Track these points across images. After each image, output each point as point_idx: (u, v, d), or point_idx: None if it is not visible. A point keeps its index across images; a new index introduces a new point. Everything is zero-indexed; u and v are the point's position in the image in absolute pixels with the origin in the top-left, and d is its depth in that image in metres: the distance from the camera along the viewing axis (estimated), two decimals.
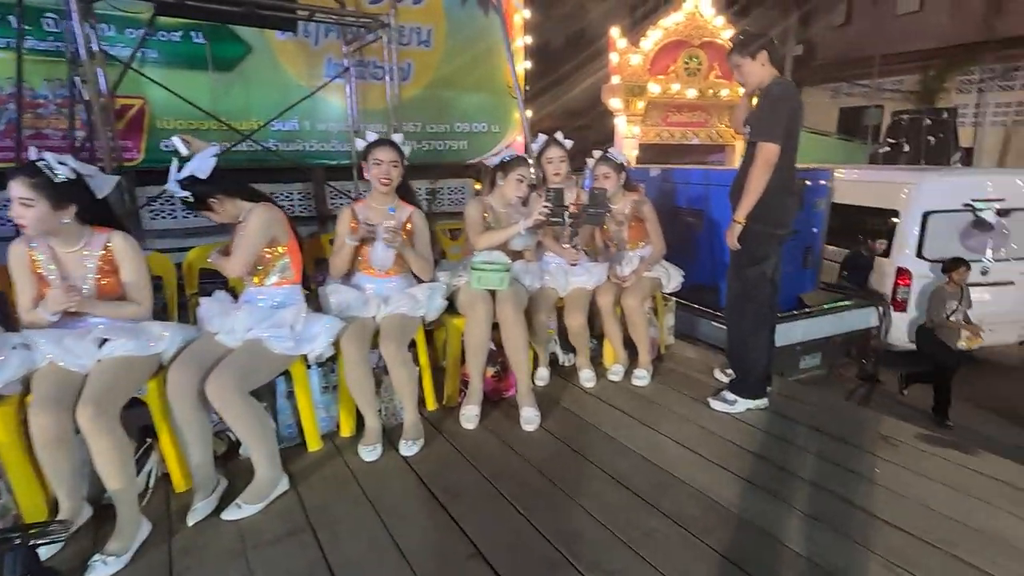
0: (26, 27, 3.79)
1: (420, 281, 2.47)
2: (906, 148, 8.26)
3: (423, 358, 2.46)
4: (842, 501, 1.90)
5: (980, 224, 4.70)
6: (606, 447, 2.23)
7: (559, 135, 2.79)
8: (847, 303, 4.31)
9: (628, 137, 8.41)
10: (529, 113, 7.55)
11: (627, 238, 2.98)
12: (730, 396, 2.52)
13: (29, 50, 3.85)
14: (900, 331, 4.67)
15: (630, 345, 2.89)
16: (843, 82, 12.71)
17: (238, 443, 2.10)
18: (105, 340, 1.74)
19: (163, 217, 4.83)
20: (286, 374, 2.12)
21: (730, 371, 2.68)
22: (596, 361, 3.01)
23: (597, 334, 3.01)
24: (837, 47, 12.86)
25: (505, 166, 2.64)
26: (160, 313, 2.14)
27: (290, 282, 2.12)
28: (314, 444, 2.20)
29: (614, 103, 8.39)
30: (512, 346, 2.41)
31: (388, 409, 2.37)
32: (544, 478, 2.01)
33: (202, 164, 1.97)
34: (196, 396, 1.78)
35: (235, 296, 2.16)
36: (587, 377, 2.80)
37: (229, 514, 1.78)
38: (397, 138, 2.39)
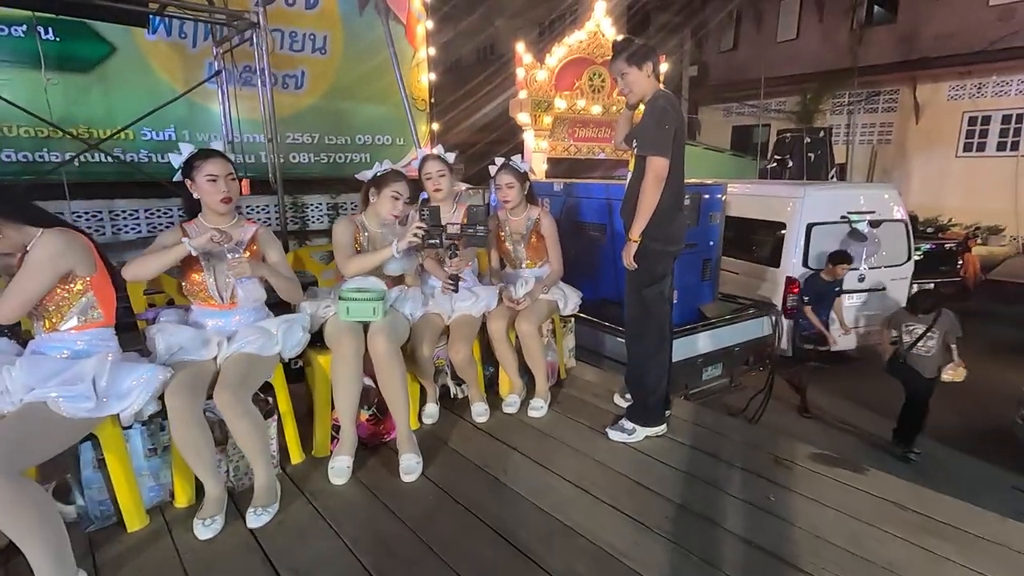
0: None
1: (283, 309, 2.13)
2: (790, 164, 8.85)
3: (283, 403, 2.12)
4: (738, 539, 1.77)
5: (855, 235, 4.99)
6: (492, 495, 1.99)
7: (439, 148, 2.56)
8: (745, 313, 4.39)
9: (537, 151, 8.41)
10: (436, 127, 7.34)
11: (525, 256, 2.79)
12: (628, 425, 2.37)
13: None
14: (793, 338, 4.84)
15: (529, 371, 2.69)
16: (734, 102, 13.58)
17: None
18: None
19: None
20: (93, 438, 1.71)
21: (629, 396, 2.55)
22: (494, 390, 2.79)
23: (495, 361, 2.78)
24: (727, 70, 13.74)
25: (378, 181, 2.36)
26: None
27: (97, 325, 1.72)
28: (135, 522, 1.79)
29: (522, 118, 8.37)
30: (388, 385, 2.12)
31: (239, 469, 2.00)
32: (418, 540, 1.74)
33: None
34: None
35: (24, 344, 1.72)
36: (479, 412, 2.56)
37: None
38: (217, 145, 2.03)
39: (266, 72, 3.81)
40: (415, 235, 2.13)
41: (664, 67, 7.92)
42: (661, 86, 2.29)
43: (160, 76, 5.24)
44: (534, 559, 1.66)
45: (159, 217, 5.04)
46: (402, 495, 1.98)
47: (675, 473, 2.14)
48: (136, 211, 4.86)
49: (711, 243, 4.18)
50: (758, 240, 5.41)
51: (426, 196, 2.65)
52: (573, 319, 3.11)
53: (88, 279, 1.69)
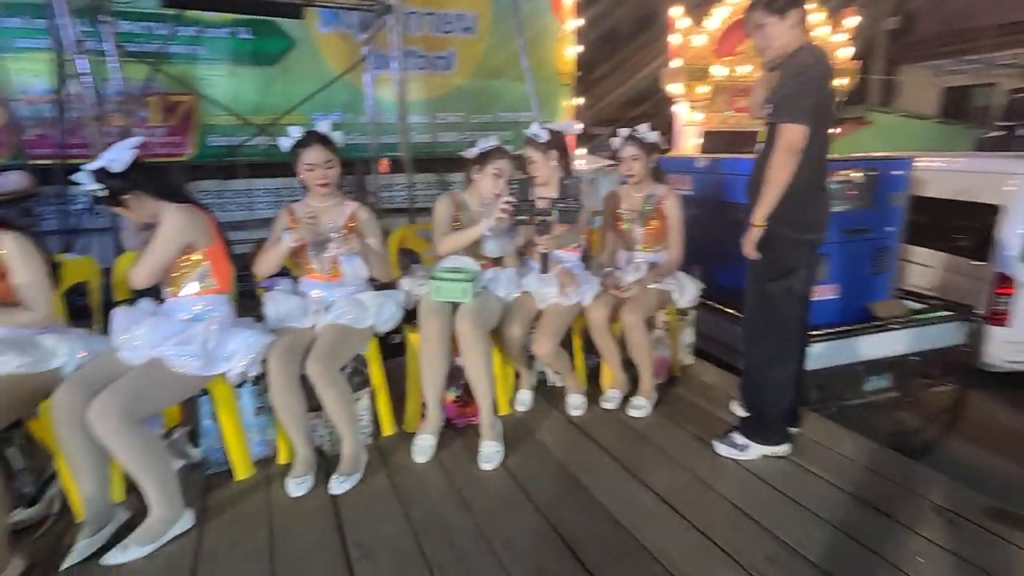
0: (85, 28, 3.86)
1: (379, 286, 2.19)
2: (1021, 132, 7.03)
3: (376, 376, 2.18)
4: None
5: None
6: (570, 498, 1.84)
7: (535, 127, 2.39)
8: (929, 316, 3.59)
9: (689, 125, 7.77)
10: (578, 102, 7.11)
11: (641, 238, 2.53)
12: (740, 440, 2.05)
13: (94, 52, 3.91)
14: (999, 350, 3.86)
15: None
16: (947, 58, 11.11)
17: None
18: None
19: (216, 211, 4.97)
20: (210, 393, 1.91)
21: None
22: (596, 382, 2.61)
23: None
24: (940, 18, 11.25)
25: (482, 158, 2.29)
26: (83, 321, 2.00)
27: (213, 291, 1.90)
28: (242, 472, 1.97)
29: (674, 88, 7.76)
30: (471, 368, 2.07)
31: (333, 435, 2.10)
32: (480, 536, 1.67)
33: (118, 155, 1.76)
34: (83, 422, 1.59)
35: None
36: (574, 404, 2.40)
37: (112, 557, 1.57)
38: (324, 126, 2.09)
39: (399, 54, 3.94)
40: (503, 210, 2.02)
41: (854, 20, 6.73)
42: (809, 39, 1.87)
43: (329, 65, 5.74)
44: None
45: None
46: (477, 483, 1.93)
47: (790, 505, 1.79)
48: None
49: (889, 228, 3.46)
50: (959, 227, 4.37)
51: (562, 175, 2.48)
52: (693, 312, 2.78)
53: (205, 250, 1.87)
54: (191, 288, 1.87)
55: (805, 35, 1.85)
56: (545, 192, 2.29)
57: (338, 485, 1.89)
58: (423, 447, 2.08)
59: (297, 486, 1.88)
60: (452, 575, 1.52)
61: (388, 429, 2.24)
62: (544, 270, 2.17)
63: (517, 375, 2.51)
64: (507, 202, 2.01)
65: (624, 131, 2.47)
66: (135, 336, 1.73)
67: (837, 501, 1.81)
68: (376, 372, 2.18)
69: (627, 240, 2.56)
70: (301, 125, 2.15)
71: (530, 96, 4.48)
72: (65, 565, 1.55)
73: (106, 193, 1.77)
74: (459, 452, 2.12)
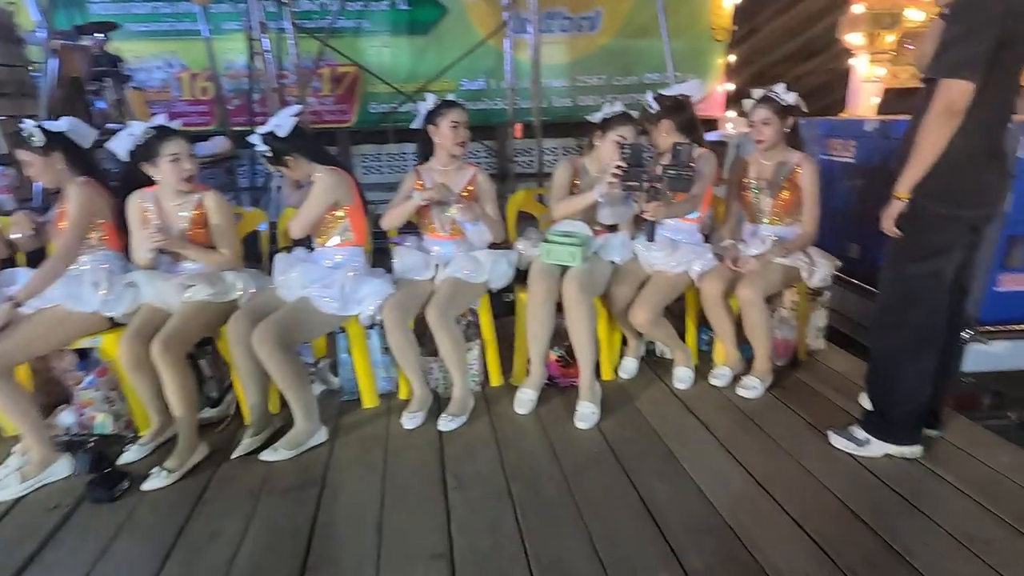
0: (270, 10, 4.49)
1: (493, 245, 2.33)
2: None
3: (486, 330, 2.34)
4: None
5: None
6: (659, 466, 1.86)
7: (649, 96, 2.29)
8: None
9: (868, 81, 6.76)
10: (732, 58, 6.57)
11: (769, 210, 2.36)
12: (860, 434, 1.87)
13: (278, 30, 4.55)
14: None
15: None
16: None
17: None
18: (189, 286, 2.00)
19: (373, 172, 5.59)
20: (347, 331, 2.21)
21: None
22: (708, 359, 2.52)
23: None
24: None
25: (605, 124, 2.28)
26: (255, 263, 2.41)
27: (351, 244, 2.18)
28: (368, 402, 2.28)
29: (853, 39, 6.78)
30: (574, 331, 2.13)
31: (447, 379, 2.32)
32: (565, 487, 1.76)
33: (283, 122, 2.08)
34: (249, 344, 1.95)
35: None
36: (680, 377, 2.36)
37: (266, 455, 1.95)
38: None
39: (535, 17, 3.97)
40: (613, 175, 2.01)
41: None
42: None
43: (478, 31, 5.95)
44: (673, 548, 1.51)
45: (468, 158, 5.86)
46: (569, 440, 2.02)
47: (909, 511, 1.62)
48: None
49: None
50: None
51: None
52: (827, 293, 2.53)
53: (347, 208, 2.14)
54: (334, 240, 2.17)
55: None
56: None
57: (446, 423, 2.10)
58: (524, 400, 2.21)
59: (410, 419, 2.13)
60: (533, 515, 1.64)
61: (496, 380, 2.41)
62: (650, 238, 2.13)
63: (625, 342, 2.53)
64: (617, 167, 2.00)
65: (758, 92, 2.28)
66: (290, 278, 2.06)
67: (970, 515, 1.59)
68: (486, 326, 2.34)
69: (753, 212, 2.39)
70: (449, 91, 2.31)
71: (665, 56, 4.24)
72: (234, 456, 1.96)
73: (271, 154, 2.09)
74: (558, 409, 2.22)
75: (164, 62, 6.03)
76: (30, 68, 3.73)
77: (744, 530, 1.56)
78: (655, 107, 2.26)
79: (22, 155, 1.97)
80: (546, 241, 2.21)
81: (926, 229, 1.64)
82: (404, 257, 2.27)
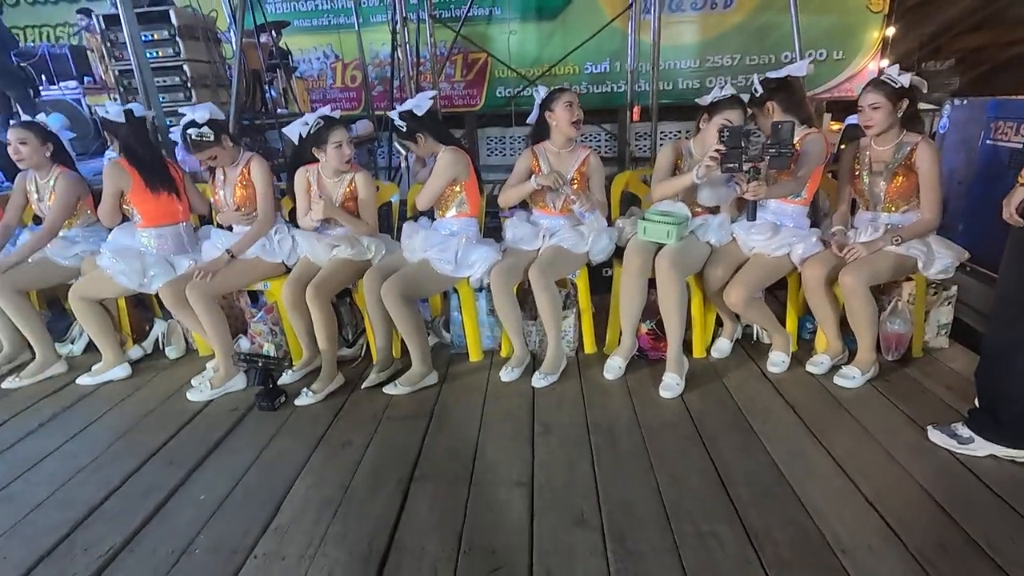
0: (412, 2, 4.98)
1: None
2: None
3: (583, 300, 2.53)
4: None
5: None
6: (736, 437, 1.93)
7: (755, 79, 2.29)
8: None
9: None
10: (891, 32, 6.01)
11: (884, 195, 2.27)
12: (964, 431, 1.79)
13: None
14: None
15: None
16: None
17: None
18: (335, 246, 2.42)
19: (496, 154, 6.00)
20: (458, 293, 2.52)
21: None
22: (809, 347, 2.49)
23: None
24: None
25: (713, 107, 2.33)
26: (388, 230, 2.80)
27: (465, 215, 2.47)
28: (474, 355, 2.58)
29: None
30: (665, 306, 2.24)
31: (544, 341, 2.54)
32: (641, 445, 1.91)
33: (420, 103, 2.40)
34: (379, 296, 2.33)
35: None
36: (775, 361, 2.37)
37: (389, 388, 2.32)
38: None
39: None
40: (711, 158, 2.07)
41: None
42: None
43: (605, 14, 6.01)
44: (736, 506, 1.61)
45: (590, 141, 5.95)
46: (652, 406, 2.15)
47: (1003, 510, 1.55)
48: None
49: None
50: None
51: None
52: (954, 287, 2.36)
53: (464, 183, 2.42)
54: (451, 212, 2.47)
55: None
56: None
57: (539, 380, 2.33)
58: (613, 366, 2.37)
59: (507, 374, 2.38)
60: (608, 463, 1.82)
61: (589, 348, 2.59)
62: (752, 218, 2.17)
63: (721, 324, 2.57)
64: (716, 150, 2.06)
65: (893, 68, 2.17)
66: (413, 242, 2.40)
67: None
68: (583, 294, 2.52)
69: (866, 198, 2.30)
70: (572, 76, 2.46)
71: (793, 32, 4.02)
72: (364, 386, 2.36)
73: (404, 130, 2.43)
74: (645, 379, 2.35)
75: (322, 53, 6.87)
76: (225, 63, 4.50)
77: (810, 500, 1.61)
78: (759, 90, 2.26)
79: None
80: (644, 219, 2.33)
81: None
82: (516, 228, 2.51)
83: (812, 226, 2.39)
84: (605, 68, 6.26)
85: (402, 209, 2.86)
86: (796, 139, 2.24)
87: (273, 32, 5.77)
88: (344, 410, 2.22)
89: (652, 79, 4.17)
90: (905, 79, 2.10)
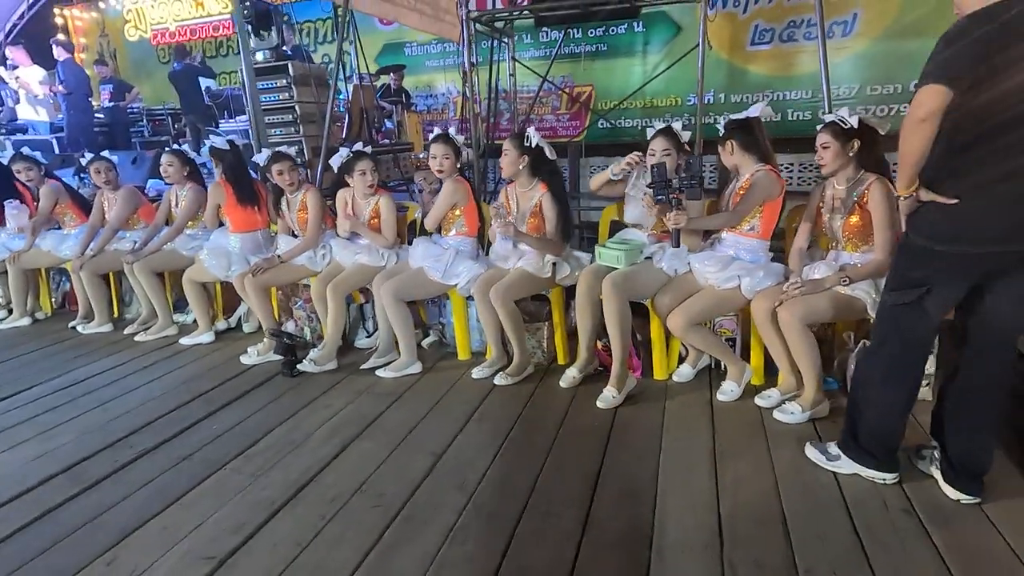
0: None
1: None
2: None
3: (556, 315, 2.82)
4: None
5: None
6: (639, 448, 2.11)
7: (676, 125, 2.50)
8: None
9: None
10: None
11: (842, 233, 2.27)
12: (833, 449, 1.85)
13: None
14: None
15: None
16: None
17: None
18: (358, 253, 3.00)
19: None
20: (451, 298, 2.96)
21: None
22: (774, 382, 2.51)
23: None
24: None
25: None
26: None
27: (464, 234, 2.91)
28: (463, 354, 2.99)
29: None
30: (608, 324, 2.44)
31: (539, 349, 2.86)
32: (550, 441, 2.16)
33: (534, 135, 2.68)
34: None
35: None
36: (725, 390, 2.44)
37: (381, 372, 2.81)
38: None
39: (703, 33, 4.05)
40: (644, 195, 2.29)
41: None
42: None
43: (711, 46, 6.12)
44: (593, 499, 1.81)
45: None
46: (583, 413, 2.37)
47: (839, 524, 1.57)
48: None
49: None
50: None
51: None
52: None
53: (463, 208, 2.87)
54: (452, 232, 2.93)
55: None
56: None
57: (500, 379, 2.67)
58: (568, 376, 2.62)
59: (479, 372, 2.75)
60: (510, 449, 2.12)
61: (561, 359, 2.85)
62: (675, 245, 2.33)
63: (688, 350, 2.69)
64: (650, 186, 2.28)
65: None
66: (414, 253, 2.89)
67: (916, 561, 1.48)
68: (556, 312, 2.81)
69: (828, 236, 2.31)
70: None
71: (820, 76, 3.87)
72: (363, 367, 2.88)
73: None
74: (596, 390, 2.54)
75: (446, 89, 7.85)
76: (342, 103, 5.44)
77: (665, 504, 1.77)
78: (685, 136, 2.45)
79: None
80: (599, 245, 2.58)
81: (907, 259, 1.57)
82: (497, 248, 2.89)
83: (777, 261, 2.44)
84: (709, 100, 6.33)
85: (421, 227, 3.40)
86: (746, 176, 2.36)
87: (392, 74, 6.80)
88: (340, 384, 2.76)
89: (697, 113, 4.21)
90: (855, 120, 2.12)
